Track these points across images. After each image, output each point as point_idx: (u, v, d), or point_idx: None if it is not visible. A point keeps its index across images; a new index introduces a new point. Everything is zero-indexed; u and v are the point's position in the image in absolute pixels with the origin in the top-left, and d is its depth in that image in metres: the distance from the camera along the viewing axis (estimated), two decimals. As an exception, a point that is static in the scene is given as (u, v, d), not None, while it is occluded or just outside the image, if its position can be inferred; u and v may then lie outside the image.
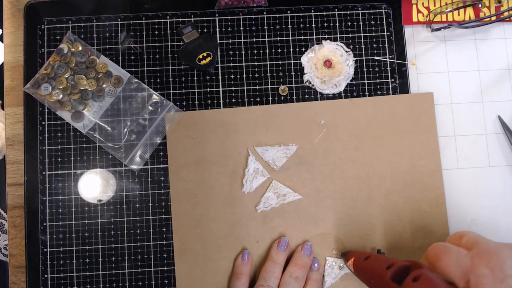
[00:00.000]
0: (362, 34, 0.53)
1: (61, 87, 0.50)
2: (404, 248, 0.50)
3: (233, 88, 0.52)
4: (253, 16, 0.53)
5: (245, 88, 0.52)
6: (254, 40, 0.53)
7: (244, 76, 0.52)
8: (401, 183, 0.51)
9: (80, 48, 0.51)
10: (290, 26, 0.53)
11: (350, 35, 0.53)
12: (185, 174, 0.50)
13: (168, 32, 0.53)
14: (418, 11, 0.54)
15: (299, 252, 0.48)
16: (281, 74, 0.52)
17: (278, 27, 0.53)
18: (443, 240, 0.43)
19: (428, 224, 0.50)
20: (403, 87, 0.53)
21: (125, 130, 0.51)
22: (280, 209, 0.50)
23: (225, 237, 0.50)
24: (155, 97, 0.51)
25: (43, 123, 0.51)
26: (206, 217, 0.50)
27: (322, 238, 0.50)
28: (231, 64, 0.52)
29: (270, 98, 0.52)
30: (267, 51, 0.53)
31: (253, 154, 0.50)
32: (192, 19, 0.53)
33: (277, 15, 0.53)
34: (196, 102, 0.52)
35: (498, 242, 0.37)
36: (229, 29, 0.53)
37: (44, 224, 0.50)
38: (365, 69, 0.53)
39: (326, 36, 0.53)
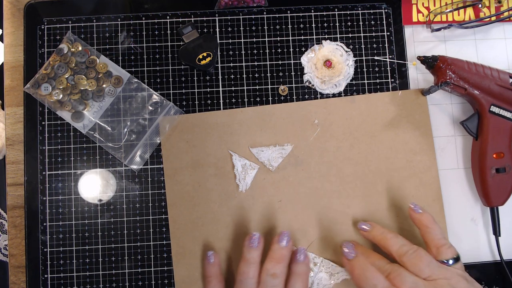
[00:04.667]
0: (362, 34, 0.53)
1: (61, 87, 0.50)
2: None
3: (233, 88, 0.52)
4: (253, 16, 0.53)
5: (245, 88, 0.52)
6: (254, 40, 0.53)
7: (244, 76, 0.52)
8: (397, 179, 0.51)
9: (80, 48, 0.51)
10: (290, 26, 0.53)
11: (350, 35, 0.53)
12: (181, 178, 0.50)
13: (168, 32, 0.53)
14: (418, 11, 0.54)
15: (275, 244, 0.43)
16: (281, 74, 0.52)
17: (278, 27, 0.53)
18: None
19: None
20: (403, 87, 0.53)
21: (125, 130, 0.51)
22: (277, 209, 0.50)
23: (223, 239, 0.50)
24: (155, 97, 0.51)
25: (43, 123, 0.51)
26: (203, 220, 0.50)
27: (322, 242, 0.50)
28: (231, 64, 0.52)
29: (270, 98, 0.52)
30: (267, 51, 0.53)
31: (234, 153, 0.50)
32: (192, 19, 0.53)
33: (277, 15, 0.53)
34: (196, 102, 0.52)
35: None
36: (229, 29, 0.53)
37: (44, 224, 0.50)
38: (365, 69, 0.53)
39: (326, 36, 0.53)
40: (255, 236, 0.44)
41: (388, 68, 0.53)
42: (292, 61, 0.53)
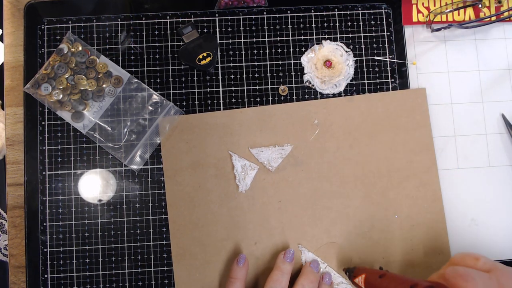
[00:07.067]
0: (362, 34, 0.53)
1: (61, 87, 0.50)
2: (402, 245, 0.50)
3: (233, 88, 0.52)
4: (253, 16, 0.53)
5: (245, 88, 0.52)
6: (254, 40, 0.53)
7: (244, 76, 0.52)
8: (397, 179, 0.51)
9: (80, 48, 0.51)
10: (290, 26, 0.53)
11: (350, 35, 0.53)
12: (181, 178, 0.50)
13: (168, 32, 0.53)
14: (418, 11, 0.54)
15: (309, 267, 0.48)
16: (281, 74, 0.52)
17: (278, 27, 0.53)
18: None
19: (425, 219, 0.50)
20: (403, 87, 0.53)
21: (125, 130, 0.51)
22: (277, 210, 0.50)
23: (223, 239, 0.50)
24: (155, 97, 0.51)
25: (43, 123, 0.51)
26: (203, 220, 0.50)
27: (328, 249, 0.50)
28: (231, 64, 0.52)
29: (270, 98, 0.52)
30: (267, 51, 0.53)
31: (234, 153, 0.50)
32: (192, 19, 0.53)
33: (277, 15, 0.53)
34: (196, 102, 0.52)
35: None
36: (229, 29, 0.53)
37: (44, 224, 0.50)
38: (365, 69, 0.53)
39: (326, 36, 0.53)
40: (291, 252, 0.48)
41: (388, 68, 0.53)
42: (292, 61, 0.53)
